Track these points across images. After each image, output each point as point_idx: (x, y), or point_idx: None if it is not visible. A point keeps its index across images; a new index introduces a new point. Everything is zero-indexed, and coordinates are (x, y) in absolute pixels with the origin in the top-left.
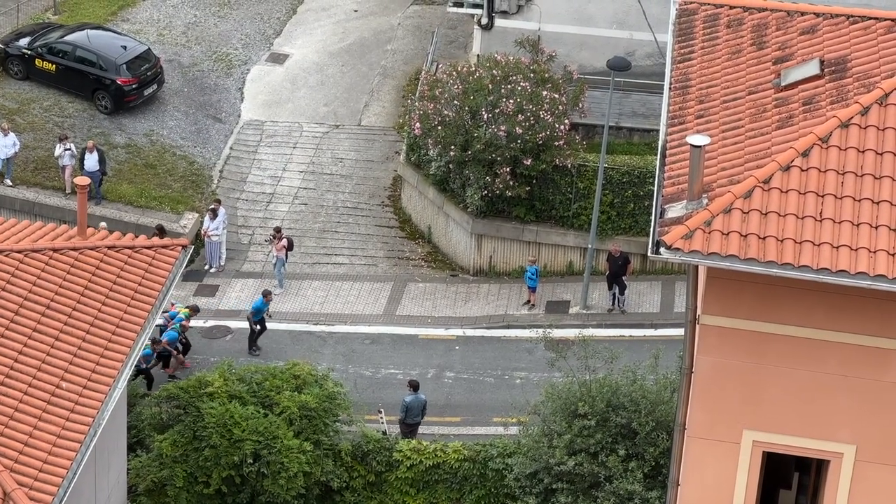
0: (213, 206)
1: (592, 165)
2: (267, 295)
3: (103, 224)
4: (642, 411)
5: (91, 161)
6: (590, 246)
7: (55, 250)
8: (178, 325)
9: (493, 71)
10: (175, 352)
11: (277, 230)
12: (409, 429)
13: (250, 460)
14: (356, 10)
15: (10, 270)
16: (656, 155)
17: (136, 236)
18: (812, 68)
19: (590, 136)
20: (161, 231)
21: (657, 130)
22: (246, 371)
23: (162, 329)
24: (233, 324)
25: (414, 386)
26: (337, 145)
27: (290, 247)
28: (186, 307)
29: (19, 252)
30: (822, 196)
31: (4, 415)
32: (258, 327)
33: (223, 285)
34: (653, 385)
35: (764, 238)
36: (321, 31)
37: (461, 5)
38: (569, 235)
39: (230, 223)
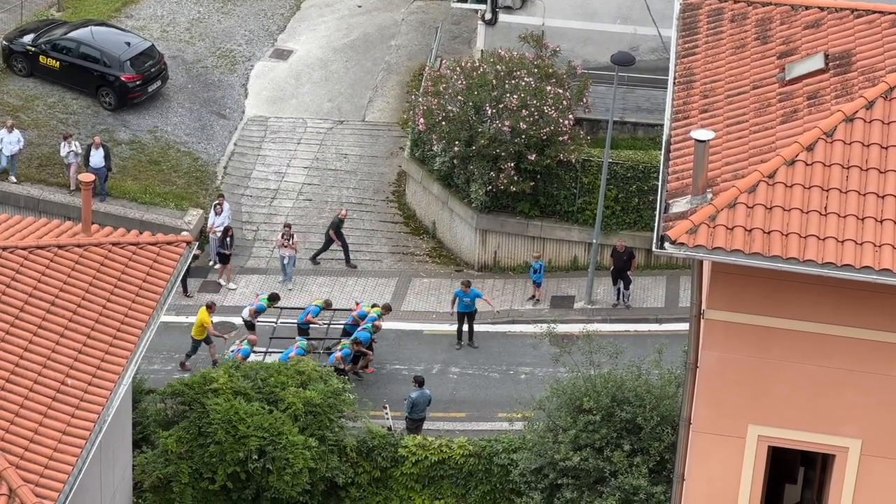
0: (217, 202)
1: (597, 160)
2: (466, 285)
3: (185, 233)
4: (647, 406)
5: (97, 157)
6: (594, 241)
7: (60, 247)
8: (370, 324)
9: (497, 66)
10: (369, 352)
11: (288, 226)
12: (414, 424)
13: (255, 456)
14: (360, 6)
15: (14, 267)
16: (661, 150)
17: (140, 233)
18: (816, 62)
19: (594, 131)
20: (226, 232)
21: (661, 125)
22: (250, 367)
23: (350, 329)
24: (237, 320)
25: (419, 381)
26: (341, 141)
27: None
28: (375, 305)
29: (24, 249)
30: (827, 190)
31: (10, 411)
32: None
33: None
34: (657, 380)
35: (769, 232)
36: (325, 27)
37: (465, 1)
38: (573, 230)
39: (234, 219)
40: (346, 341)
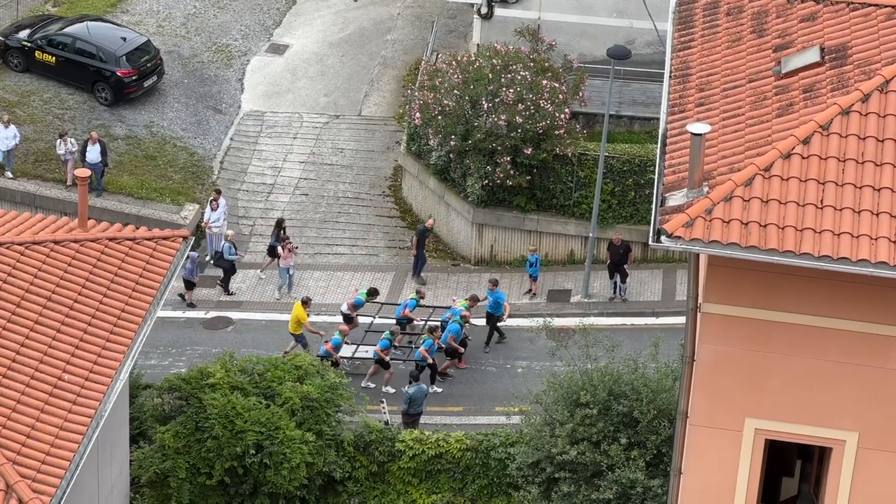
0: (213, 198)
1: (593, 154)
2: (494, 283)
3: (228, 233)
4: (644, 400)
5: (94, 153)
6: (591, 235)
7: (56, 242)
8: (457, 316)
9: (493, 60)
10: (461, 348)
11: (287, 239)
12: (410, 419)
13: (253, 451)
14: (356, 0)
15: (11, 263)
16: (657, 143)
17: (137, 228)
18: (812, 56)
19: (590, 124)
20: (279, 224)
21: (657, 119)
22: (248, 362)
23: (444, 324)
24: (234, 314)
25: (415, 376)
26: (337, 136)
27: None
28: (466, 299)
29: (20, 244)
30: (823, 183)
31: (7, 407)
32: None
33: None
34: (654, 374)
35: (765, 226)
36: (321, 22)
37: None
38: (570, 224)
39: (231, 214)
40: (426, 335)
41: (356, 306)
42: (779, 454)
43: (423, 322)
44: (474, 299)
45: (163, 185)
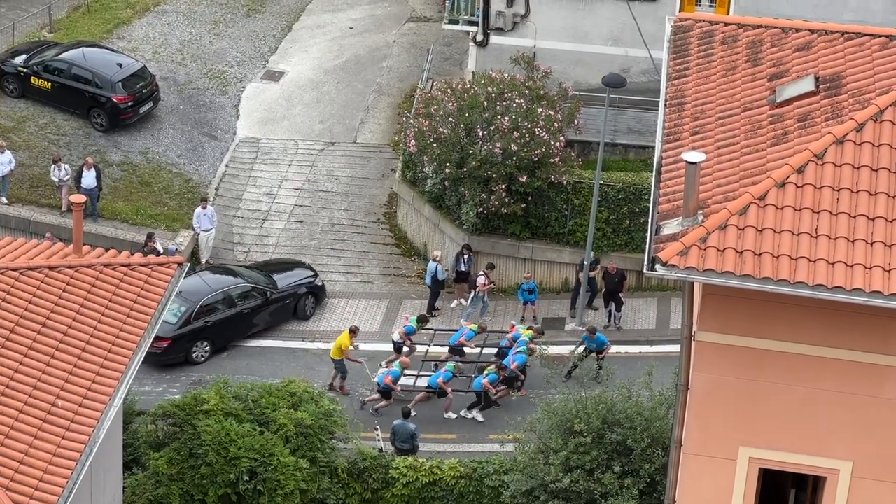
0: (202, 205)
1: (588, 182)
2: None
3: (436, 254)
4: (638, 428)
5: (89, 178)
6: (586, 262)
7: (51, 268)
8: (524, 346)
9: (489, 88)
10: (522, 375)
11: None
12: (399, 453)
13: (246, 478)
14: (351, 28)
15: (5, 288)
16: (652, 171)
17: (132, 254)
18: (807, 85)
19: (585, 152)
20: (469, 248)
21: (652, 147)
22: (242, 388)
23: (506, 351)
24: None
25: (404, 414)
26: (332, 162)
27: None
28: (530, 328)
29: (15, 270)
30: (818, 212)
31: (0, 433)
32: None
33: None
34: (648, 402)
35: (759, 254)
36: (316, 49)
37: (456, 22)
38: (564, 252)
39: (225, 241)
40: (492, 367)
41: (408, 334)
42: (773, 483)
43: (478, 350)
44: (539, 332)
45: (158, 212)
